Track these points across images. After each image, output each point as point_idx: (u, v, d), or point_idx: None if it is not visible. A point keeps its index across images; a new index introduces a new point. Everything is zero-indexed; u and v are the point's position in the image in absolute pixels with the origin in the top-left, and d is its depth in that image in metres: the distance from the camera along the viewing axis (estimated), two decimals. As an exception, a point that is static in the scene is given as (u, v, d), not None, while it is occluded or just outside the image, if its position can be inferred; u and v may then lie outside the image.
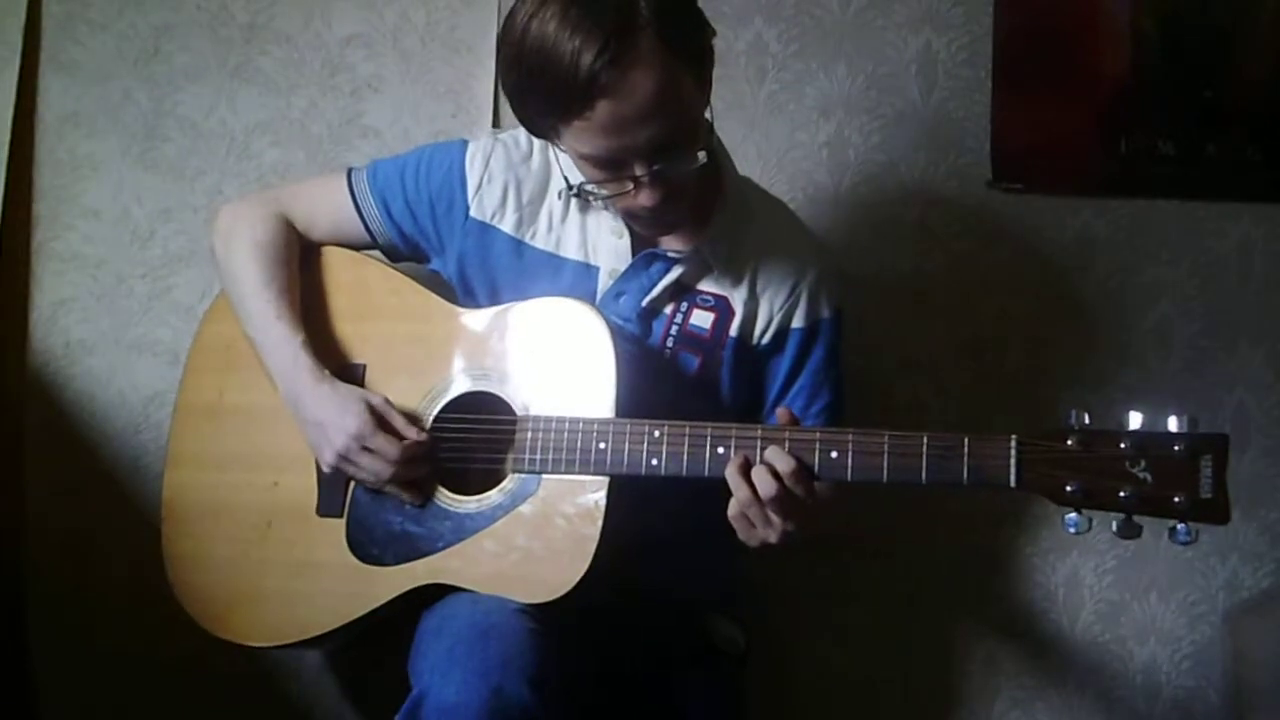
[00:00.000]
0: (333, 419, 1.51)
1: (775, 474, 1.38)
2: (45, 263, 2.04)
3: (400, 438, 1.50)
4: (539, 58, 1.34)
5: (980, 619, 2.04)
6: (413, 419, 1.53)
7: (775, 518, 1.39)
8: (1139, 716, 2.02)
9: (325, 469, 1.55)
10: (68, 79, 2.04)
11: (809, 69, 2.02)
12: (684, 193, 1.48)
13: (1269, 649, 1.89)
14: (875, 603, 2.03)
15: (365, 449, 1.50)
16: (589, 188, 1.48)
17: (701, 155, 1.43)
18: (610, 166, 1.42)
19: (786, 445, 1.39)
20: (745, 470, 1.39)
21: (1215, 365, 2.02)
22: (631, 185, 1.43)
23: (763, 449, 1.40)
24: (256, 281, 1.59)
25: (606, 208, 1.56)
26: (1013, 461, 1.33)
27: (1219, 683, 2.01)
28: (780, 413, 1.45)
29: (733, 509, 1.41)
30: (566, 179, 1.54)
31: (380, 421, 1.51)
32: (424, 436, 1.52)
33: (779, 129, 2.02)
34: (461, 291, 1.65)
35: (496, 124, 2.00)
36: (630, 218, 1.54)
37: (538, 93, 1.37)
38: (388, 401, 1.53)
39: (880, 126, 2.03)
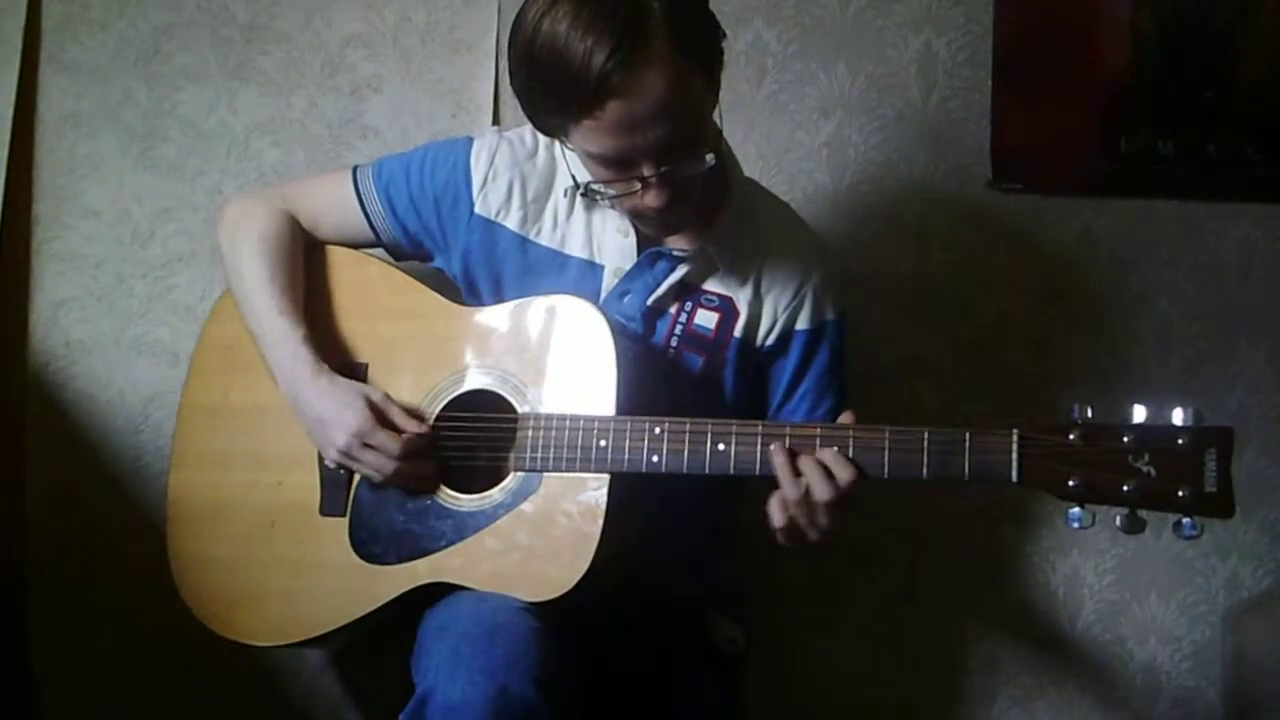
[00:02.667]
0: (334, 416, 1.51)
1: (830, 477, 1.38)
2: (45, 263, 2.03)
3: (400, 432, 1.51)
4: (550, 57, 1.34)
5: (980, 619, 2.04)
6: (413, 413, 1.53)
7: (823, 519, 1.40)
8: (1139, 716, 2.03)
9: (329, 465, 1.55)
10: (68, 79, 2.03)
11: (809, 69, 2.02)
12: (691, 194, 1.48)
13: (1269, 649, 1.90)
14: (876, 603, 2.03)
15: (367, 445, 1.50)
16: (596, 187, 1.48)
17: (710, 157, 1.43)
18: (619, 166, 1.42)
19: (787, 440, 1.40)
20: (794, 468, 1.39)
21: (1215, 365, 2.02)
22: (639, 185, 1.42)
23: (764, 444, 1.40)
24: (260, 277, 1.59)
25: (613, 206, 1.55)
26: (1014, 456, 1.32)
27: (1219, 683, 2.01)
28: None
29: (779, 513, 1.41)
30: (574, 177, 1.54)
31: (380, 417, 1.51)
32: (425, 429, 1.52)
33: (779, 129, 2.03)
34: (466, 289, 1.65)
35: (497, 124, 2.00)
36: (637, 217, 1.53)
37: (547, 91, 1.37)
38: (387, 397, 1.53)
39: (880, 126, 2.03)
